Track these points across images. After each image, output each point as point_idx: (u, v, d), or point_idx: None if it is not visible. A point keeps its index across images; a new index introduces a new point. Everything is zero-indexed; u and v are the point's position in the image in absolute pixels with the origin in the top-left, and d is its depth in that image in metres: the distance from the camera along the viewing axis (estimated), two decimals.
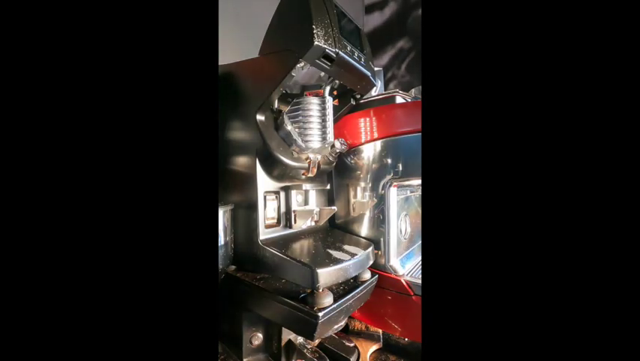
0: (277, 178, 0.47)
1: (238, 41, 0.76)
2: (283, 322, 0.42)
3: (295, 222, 0.48)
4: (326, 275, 0.37)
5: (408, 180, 0.51)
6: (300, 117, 0.45)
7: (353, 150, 0.55)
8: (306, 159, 0.46)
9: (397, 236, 0.53)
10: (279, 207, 0.48)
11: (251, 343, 0.45)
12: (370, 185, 0.54)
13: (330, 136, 0.46)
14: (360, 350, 0.53)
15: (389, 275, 0.51)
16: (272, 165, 0.44)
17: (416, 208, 0.60)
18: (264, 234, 0.44)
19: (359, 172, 0.55)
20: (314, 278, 0.36)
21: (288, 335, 0.46)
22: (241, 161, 0.46)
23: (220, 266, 0.45)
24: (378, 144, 0.53)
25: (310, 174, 0.47)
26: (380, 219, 0.53)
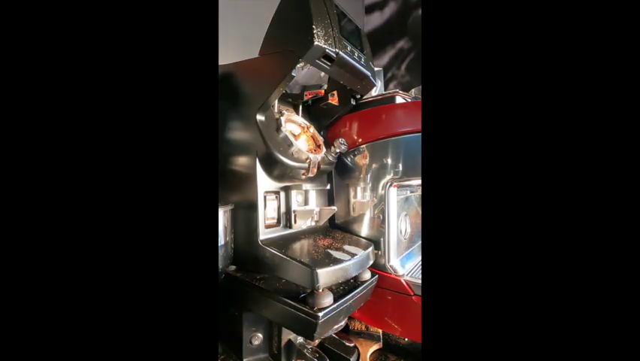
0: (277, 178, 0.47)
1: (238, 41, 0.76)
2: (283, 322, 0.42)
3: (295, 222, 0.48)
4: (326, 275, 0.37)
5: (408, 180, 0.51)
6: None
7: (353, 150, 0.55)
8: (306, 159, 0.46)
9: (397, 236, 0.53)
10: (279, 207, 0.48)
11: (251, 343, 0.45)
12: (370, 185, 0.53)
13: None
14: (360, 350, 0.53)
15: (389, 275, 0.51)
16: (272, 165, 0.44)
17: (416, 208, 0.60)
18: (264, 234, 0.44)
19: (359, 172, 0.55)
20: (314, 278, 0.36)
21: (288, 335, 0.46)
22: (241, 161, 0.46)
23: (220, 266, 0.44)
24: (379, 144, 0.53)
25: (310, 174, 0.47)
26: (380, 219, 0.53)
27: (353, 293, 0.42)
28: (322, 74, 0.50)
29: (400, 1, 1.56)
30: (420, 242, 0.61)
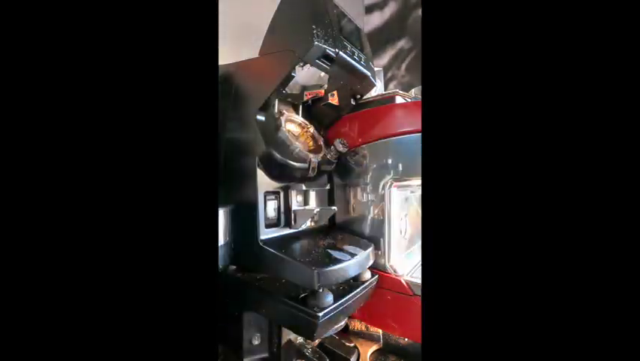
0: (277, 178, 0.47)
1: (238, 41, 0.76)
2: (283, 322, 0.42)
3: (295, 222, 0.48)
4: (326, 275, 0.37)
5: (408, 180, 0.51)
6: None
7: (353, 150, 0.55)
8: (306, 159, 0.46)
9: (397, 236, 0.53)
10: (279, 207, 0.47)
11: (251, 343, 0.45)
12: (370, 185, 0.53)
13: None
14: (360, 350, 0.53)
15: (389, 275, 0.51)
16: (272, 165, 0.44)
17: (416, 208, 0.60)
18: (264, 234, 0.44)
19: (359, 172, 0.55)
20: (314, 278, 0.36)
21: (288, 335, 0.46)
22: (241, 161, 0.46)
23: (220, 266, 0.44)
24: (379, 144, 0.53)
25: (310, 174, 0.47)
26: (380, 220, 0.53)
27: (353, 293, 0.42)
28: (322, 74, 0.50)
29: (400, 1, 1.56)
30: (420, 242, 0.61)
